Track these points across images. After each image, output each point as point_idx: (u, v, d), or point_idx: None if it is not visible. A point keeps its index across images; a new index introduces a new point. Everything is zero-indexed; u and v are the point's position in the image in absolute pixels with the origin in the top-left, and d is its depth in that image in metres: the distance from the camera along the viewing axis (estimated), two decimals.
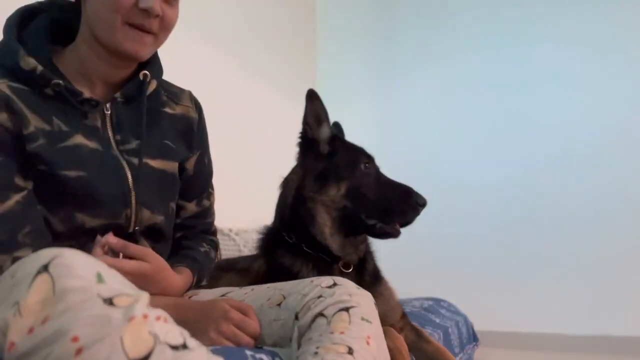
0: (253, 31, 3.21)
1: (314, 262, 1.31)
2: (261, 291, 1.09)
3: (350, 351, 0.85)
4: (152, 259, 1.03)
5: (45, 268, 0.65)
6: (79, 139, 1.01)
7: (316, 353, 0.85)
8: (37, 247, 0.92)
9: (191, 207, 1.27)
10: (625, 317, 3.18)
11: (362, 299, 0.96)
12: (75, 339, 0.60)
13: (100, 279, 0.66)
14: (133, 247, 1.02)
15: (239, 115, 2.90)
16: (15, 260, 0.91)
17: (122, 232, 1.06)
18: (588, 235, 3.31)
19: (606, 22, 3.38)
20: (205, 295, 1.20)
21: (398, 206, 1.33)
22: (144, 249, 1.04)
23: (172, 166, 1.16)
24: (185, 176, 1.23)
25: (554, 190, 3.43)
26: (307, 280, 1.03)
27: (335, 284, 0.98)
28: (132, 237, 1.09)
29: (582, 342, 3.22)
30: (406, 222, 1.35)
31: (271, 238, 1.41)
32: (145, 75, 1.10)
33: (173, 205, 1.20)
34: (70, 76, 1.05)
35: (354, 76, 4.05)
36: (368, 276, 1.38)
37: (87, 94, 1.05)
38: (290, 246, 1.34)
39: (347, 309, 0.92)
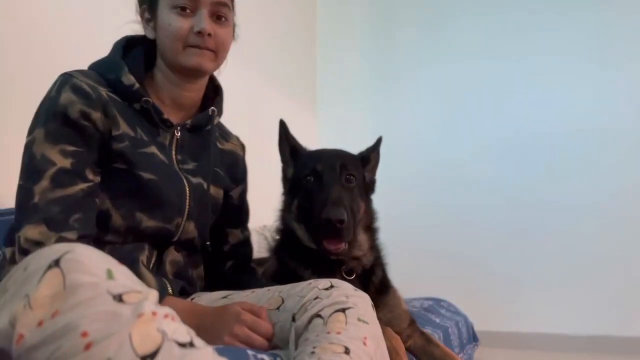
0: (253, 31, 3.20)
1: (315, 267, 1.33)
2: (261, 293, 1.11)
3: (347, 351, 0.86)
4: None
5: (56, 263, 0.67)
6: (153, 149, 1.16)
7: (313, 353, 0.86)
8: (82, 233, 1.02)
9: (237, 233, 1.42)
10: (625, 317, 3.18)
11: (359, 300, 0.97)
12: (84, 334, 0.61)
13: (110, 275, 0.68)
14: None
15: (238, 114, 2.90)
16: (59, 240, 0.98)
17: (169, 238, 1.19)
18: (588, 235, 3.31)
19: (606, 31, 3.38)
20: (207, 297, 1.22)
21: (314, 222, 1.27)
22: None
23: (218, 192, 1.32)
24: (231, 204, 1.38)
25: (554, 190, 3.42)
26: (305, 282, 1.04)
27: (332, 286, 0.99)
28: (175, 244, 1.22)
29: (582, 342, 3.21)
30: (337, 239, 1.25)
31: (281, 241, 1.46)
32: (213, 111, 1.29)
33: (208, 225, 1.30)
34: (152, 99, 1.20)
35: (354, 76, 4.04)
36: (373, 287, 1.38)
37: (164, 115, 1.20)
38: (296, 250, 1.38)
39: (343, 310, 0.93)
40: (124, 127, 1.12)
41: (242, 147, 1.47)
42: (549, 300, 3.35)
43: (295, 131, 1.48)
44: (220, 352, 0.75)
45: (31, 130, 1.06)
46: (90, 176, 1.07)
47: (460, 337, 1.95)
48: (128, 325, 0.62)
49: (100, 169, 1.10)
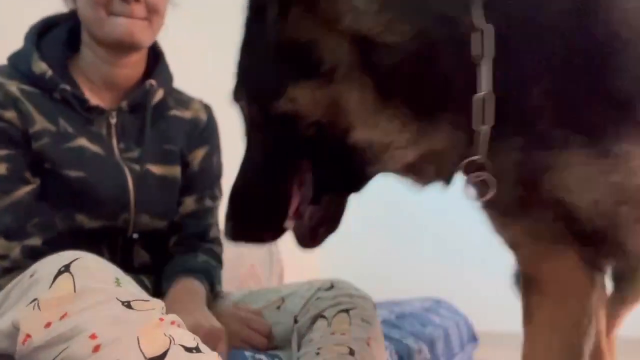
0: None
1: None
2: (260, 293, 1.12)
3: (352, 352, 0.86)
4: None
5: (67, 268, 0.67)
6: (82, 142, 1.03)
7: (318, 354, 0.87)
8: (45, 237, 0.96)
9: (189, 202, 1.18)
10: (625, 317, 3.18)
11: (361, 301, 0.98)
12: (93, 337, 0.61)
13: (118, 283, 0.69)
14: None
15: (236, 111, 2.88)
16: (24, 248, 0.94)
17: (120, 236, 1.07)
18: None
19: None
20: None
21: None
22: None
23: (173, 171, 1.14)
24: (189, 172, 1.18)
25: None
26: (305, 282, 1.05)
27: (332, 286, 1.00)
28: (129, 243, 1.09)
29: None
30: None
31: None
32: (151, 85, 1.11)
33: (172, 212, 1.16)
34: (80, 83, 1.07)
35: None
36: None
37: (94, 101, 1.06)
38: None
39: (347, 311, 0.94)
40: (41, 123, 1.00)
41: (206, 108, 1.25)
42: None
43: None
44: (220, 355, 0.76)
45: None
46: (30, 179, 0.99)
47: (461, 337, 1.96)
48: (136, 329, 0.63)
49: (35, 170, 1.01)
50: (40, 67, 1.01)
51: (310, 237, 0.73)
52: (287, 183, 0.69)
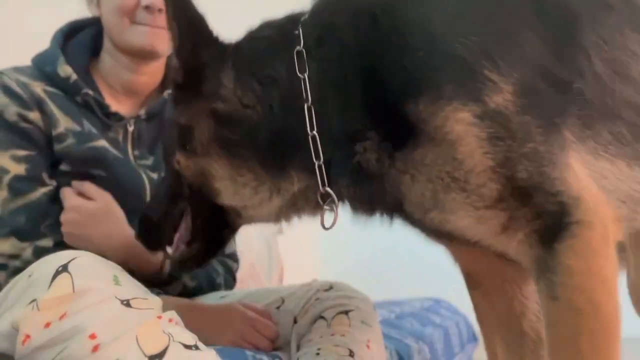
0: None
1: None
2: (259, 293, 1.12)
3: (352, 354, 0.87)
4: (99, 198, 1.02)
5: (65, 268, 0.67)
6: (104, 143, 1.05)
7: (318, 354, 0.87)
8: (57, 238, 0.97)
9: None
10: (625, 317, 3.18)
11: (361, 303, 0.99)
12: (92, 336, 0.62)
13: (117, 281, 0.69)
14: (87, 186, 1.02)
15: None
16: (36, 249, 0.95)
17: None
18: None
19: None
20: (204, 298, 1.20)
21: None
22: (95, 189, 1.02)
23: None
24: None
25: None
26: (305, 283, 1.06)
27: (331, 287, 1.01)
28: None
29: None
30: None
31: None
32: (170, 95, 1.12)
33: None
34: (100, 88, 1.09)
35: None
36: None
37: (113, 107, 1.08)
38: None
39: (346, 312, 0.95)
40: (65, 124, 1.01)
41: None
42: None
43: None
44: (218, 353, 0.76)
45: None
46: (47, 180, 1.01)
47: (461, 337, 1.96)
48: (135, 328, 0.64)
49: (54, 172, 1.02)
50: (66, 70, 1.03)
51: (178, 266, 0.90)
52: (175, 217, 0.85)
